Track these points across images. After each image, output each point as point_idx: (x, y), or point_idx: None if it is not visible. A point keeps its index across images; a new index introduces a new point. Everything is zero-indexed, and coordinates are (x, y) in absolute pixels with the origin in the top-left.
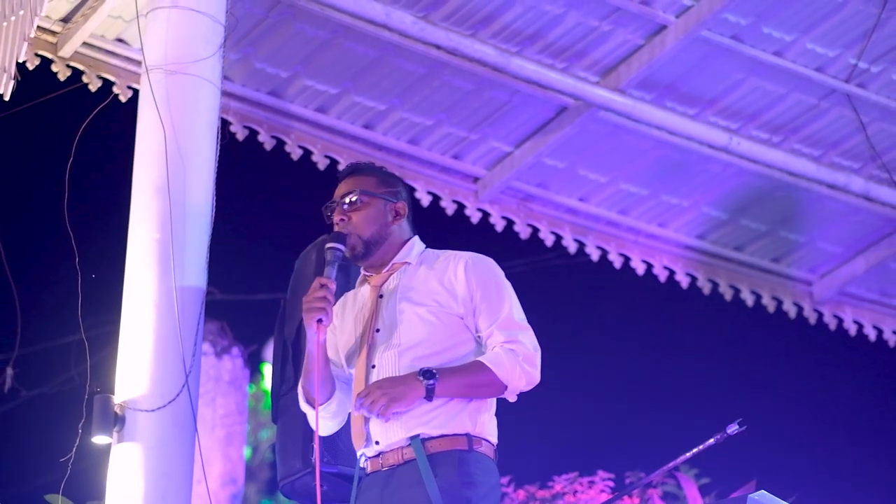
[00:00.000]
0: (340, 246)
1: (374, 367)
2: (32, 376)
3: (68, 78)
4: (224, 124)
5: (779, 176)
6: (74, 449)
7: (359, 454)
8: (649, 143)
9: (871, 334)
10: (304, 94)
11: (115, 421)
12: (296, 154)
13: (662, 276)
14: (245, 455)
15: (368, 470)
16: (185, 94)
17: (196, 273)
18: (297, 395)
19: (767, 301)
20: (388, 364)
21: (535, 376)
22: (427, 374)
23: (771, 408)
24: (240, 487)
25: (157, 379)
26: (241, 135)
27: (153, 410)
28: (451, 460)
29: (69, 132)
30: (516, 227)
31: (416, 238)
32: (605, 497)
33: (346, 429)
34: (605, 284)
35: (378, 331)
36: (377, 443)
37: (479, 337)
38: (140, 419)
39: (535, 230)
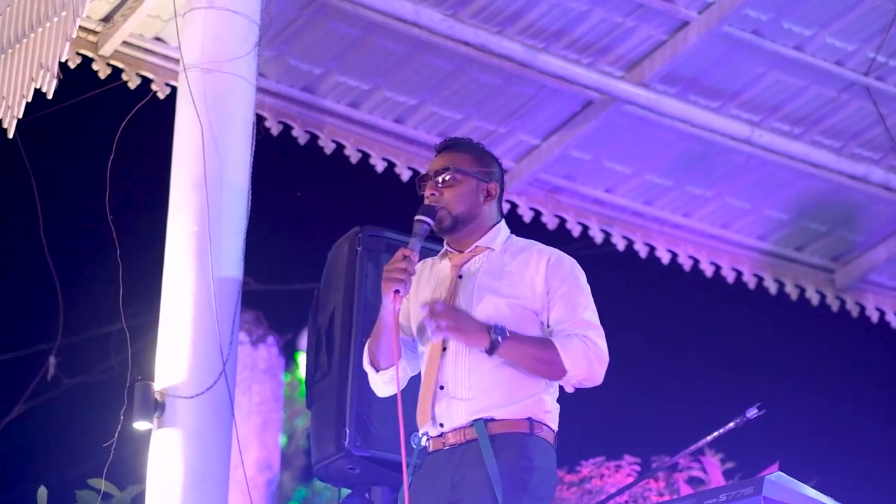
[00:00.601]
0: (428, 219)
1: (445, 349)
2: (75, 365)
3: (108, 76)
4: (259, 120)
5: (800, 167)
6: (116, 435)
7: (420, 433)
8: (673, 136)
9: (893, 321)
10: (336, 89)
11: (155, 407)
12: (329, 148)
13: (687, 265)
14: (280, 442)
15: (430, 449)
16: (221, 92)
17: (232, 264)
18: (330, 382)
19: (791, 289)
20: (460, 348)
21: (598, 374)
22: (498, 329)
23: (795, 394)
24: (275, 473)
25: (196, 367)
26: (275, 130)
27: (192, 397)
28: (512, 443)
29: (110, 129)
30: (543, 218)
31: (503, 223)
32: (630, 480)
33: (378, 413)
34: (631, 274)
35: None
36: (441, 425)
37: (550, 331)
38: (179, 406)
39: (563, 221)
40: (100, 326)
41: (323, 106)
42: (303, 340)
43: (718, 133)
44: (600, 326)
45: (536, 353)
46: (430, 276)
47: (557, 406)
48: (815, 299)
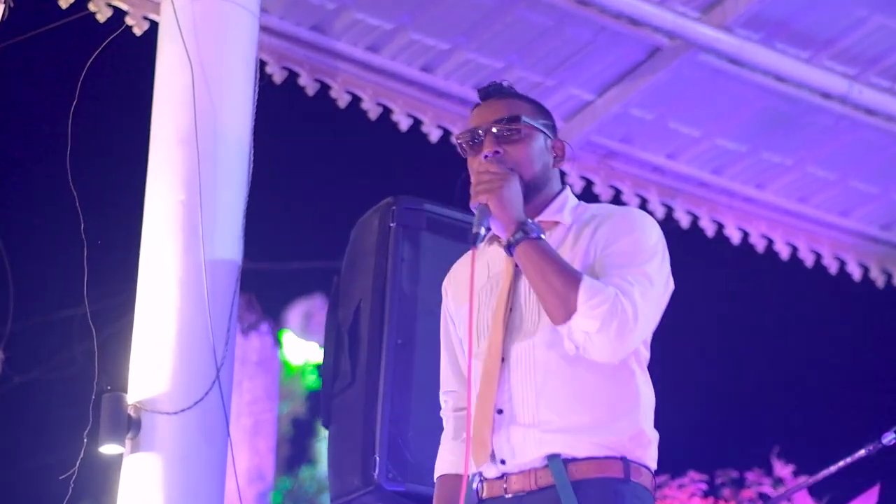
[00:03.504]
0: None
1: (504, 360)
2: (26, 357)
3: (71, 6)
4: (259, 65)
5: None
6: (78, 462)
7: (473, 471)
8: (753, 92)
9: None
10: (353, 29)
11: (128, 426)
12: (343, 100)
13: (760, 245)
14: (275, 448)
15: (484, 495)
16: (216, 24)
17: (230, 243)
18: (354, 395)
19: (876, 274)
20: (522, 360)
21: (615, 341)
22: (534, 227)
23: (876, 396)
24: (268, 484)
25: (182, 374)
26: (278, 77)
27: (176, 413)
28: (602, 492)
29: (72, 71)
30: (596, 189)
31: (569, 190)
32: (696, 502)
33: (417, 435)
34: (697, 255)
35: (511, 310)
36: (503, 462)
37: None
38: (159, 423)
39: (618, 192)
40: (58, 310)
41: (336, 49)
42: (290, 316)
43: (808, 88)
44: (657, 287)
45: (553, 275)
46: (478, 271)
47: (657, 434)
48: None
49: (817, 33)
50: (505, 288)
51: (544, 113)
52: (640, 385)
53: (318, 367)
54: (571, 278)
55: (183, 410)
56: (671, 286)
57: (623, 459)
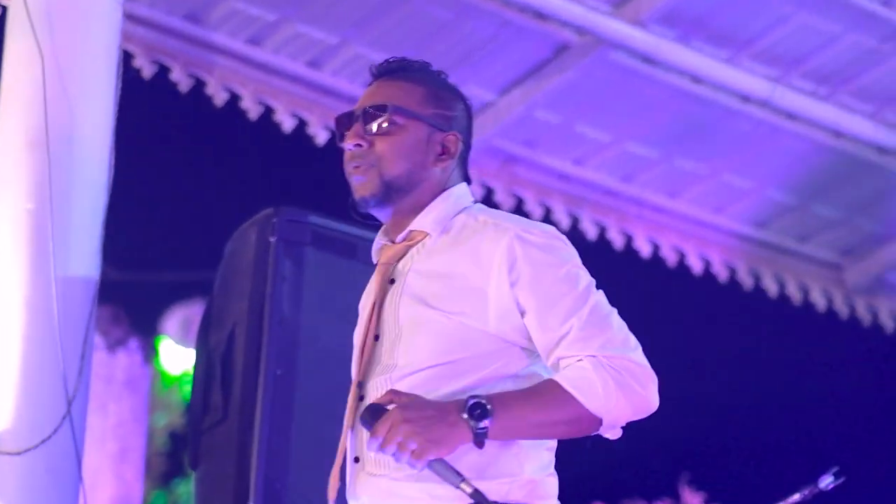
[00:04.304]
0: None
1: (362, 398)
2: None
3: None
4: (125, 58)
5: (822, 137)
6: None
7: None
8: (667, 94)
9: None
10: (231, 19)
11: None
12: (220, 98)
13: (671, 258)
14: (143, 476)
15: None
16: (72, 11)
17: (85, 257)
18: (226, 431)
19: (792, 290)
20: (376, 397)
21: (648, 398)
22: (476, 409)
23: (796, 413)
24: None
25: (27, 409)
26: (147, 71)
27: (20, 453)
28: None
29: None
30: (497, 197)
31: (459, 189)
32: None
33: (298, 478)
34: (604, 268)
35: (377, 338)
36: None
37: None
38: (2, 465)
39: (520, 200)
40: None
41: (213, 41)
42: (167, 322)
43: (727, 91)
44: (612, 324)
45: (547, 414)
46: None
47: (552, 475)
48: (821, 304)
49: (738, 31)
50: (367, 310)
51: (444, 101)
52: None
53: None
54: (564, 402)
55: (28, 450)
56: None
57: None
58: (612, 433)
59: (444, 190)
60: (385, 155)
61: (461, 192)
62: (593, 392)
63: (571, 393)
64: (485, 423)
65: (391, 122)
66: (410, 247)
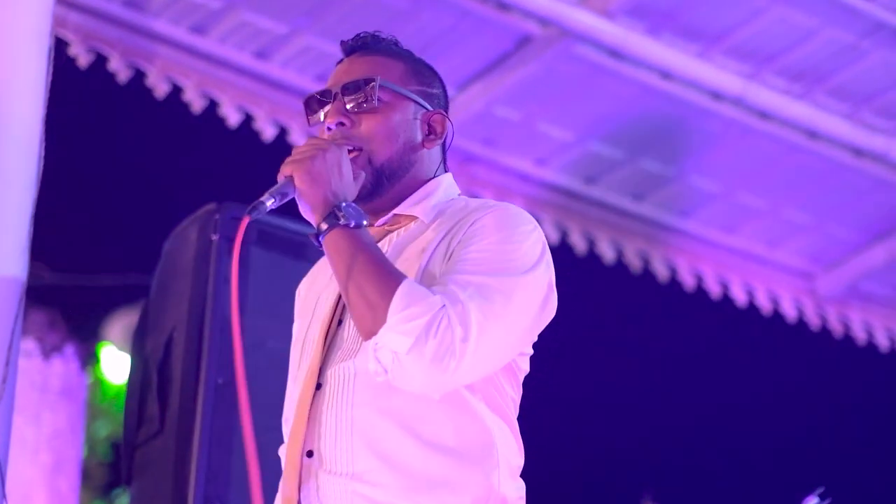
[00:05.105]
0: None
1: (319, 386)
2: None
3: None
4: (59, 45)
5: (795, 138)
6: None
7: None
8: (634, 90)
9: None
10: (174, 6)
11: None
12: (161, 90)
13: (635, 264)
14: (78, 488)
15: None
16: None
17: (11, 257)
18: (163, 445)
19: (762, 300)
20: (340, 387)
21: (430, 366)
22: (350, 211)
23: (766, 433)
24: None
25: None
26: (83, 60)
27: None
28: None
29: None
30: None
31: (447, 177)
32: None
33: (238, 498)
34: (565, 275)
35: (340, 323)
36: None
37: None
38: None
39: None
40: None
41: (154, 30)
42: (110, 328)
43: (698, 88)
44: (517, 305)
45: (364, 274)
46: (325, 284)
47: (520, 487)
48: (791, 314)
49: (710, 25)
50: (333, 294)
51: (424, 77)
52: (492, 427)
53: None
54: (387, 280)
55: None
56: (549, 308)
57: None
58: (375, 354)
59: (433, 174)
60: (374, 135)
61: (451, 182)
62: (407, 303)
63: (400, 288)
64: (339, 222)
65: (375, 99)
66: (390, 231)
